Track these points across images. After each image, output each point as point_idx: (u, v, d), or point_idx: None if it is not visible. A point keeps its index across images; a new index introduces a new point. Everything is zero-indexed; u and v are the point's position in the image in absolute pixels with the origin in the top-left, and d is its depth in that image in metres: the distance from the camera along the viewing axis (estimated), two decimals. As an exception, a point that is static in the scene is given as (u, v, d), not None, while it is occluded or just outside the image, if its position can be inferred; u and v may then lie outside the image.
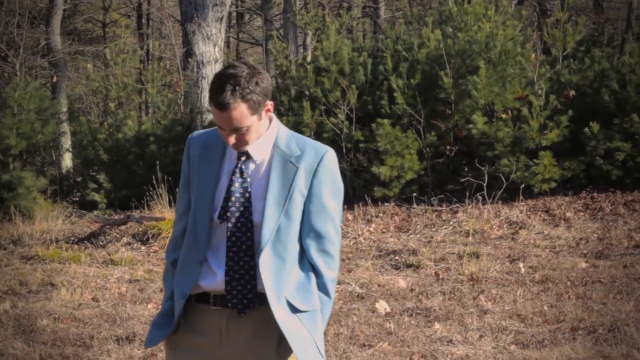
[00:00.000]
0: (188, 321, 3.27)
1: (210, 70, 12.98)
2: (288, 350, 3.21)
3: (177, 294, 3.26)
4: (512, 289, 7.79)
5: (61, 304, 7.80)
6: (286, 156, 3.20)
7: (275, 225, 3.17)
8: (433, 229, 10.00)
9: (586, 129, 10.54)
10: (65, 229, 10.78)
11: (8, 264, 9.54)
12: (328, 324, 6.83)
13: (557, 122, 10.60)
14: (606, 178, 10.59)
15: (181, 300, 3.24)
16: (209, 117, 12.22)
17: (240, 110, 3.08)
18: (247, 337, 3.22)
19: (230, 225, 3.18)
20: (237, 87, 3.06)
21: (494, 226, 9.85)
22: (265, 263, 3.17)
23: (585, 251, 8.98)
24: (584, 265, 8.47)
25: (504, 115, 10.73)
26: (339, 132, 11.00)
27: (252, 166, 3.22)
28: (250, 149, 3.19)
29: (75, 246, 10.14)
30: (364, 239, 9.80)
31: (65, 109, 14.26)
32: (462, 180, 10.65)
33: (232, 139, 3.13)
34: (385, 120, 10.75)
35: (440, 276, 8.33)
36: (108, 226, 10.60)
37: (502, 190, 10.37)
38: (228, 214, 3.18)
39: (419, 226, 10.13)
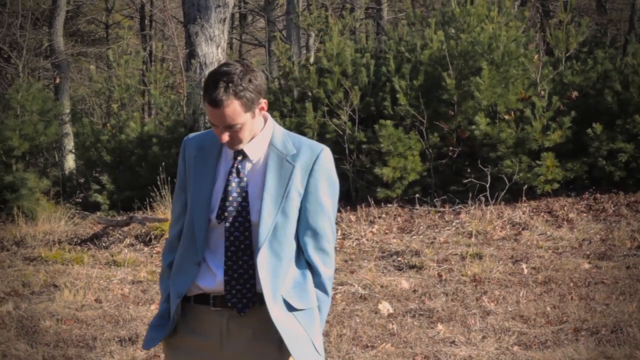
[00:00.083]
0: (187, 322, 3.26)
1: (213, 72, 12.97)
2: (288, 351, 3.20)
3: (172, 294, 3.26)
4: (515, 290, 7.79)
5: (64, 305, 7.80)
6: (282, 155, 3.21)
7: (273, 224, 3.18)
8: (436, 230, 10.00)
9: (589, 130, 10.53)
10: (68, 230, 10.79)
11: (11, 265, 9.55)
12: (330, 324, 6.84)
13: (560, 123, 10.59)
14: (609, 179, 10.59)
15: (176, 300, 3.23)
16: (212, 118, 12.20)
17: (233, 108, 3.08)
18: (248, 337, 3.22)
19: (228, 225, 3.19)
20: (230, 84, 3.06)
21: (497, 227, 9.84)
22: (263, 262, 3.18)
23: (588, 252, 8.98)
24: (586, 266, 8.46)
25: (506, 117, 10.72)
26: (341, 133, 10.99)
27: (248, 166, 3.22)
28: (246, 148, 3.20)
29: (78, 247, 10.15)
30: (367, 240, 9.80)
31: (68, 111, 14.26)
32: (465, 181, 10.64)
33: (225, 137, 3.13)
34: (388, 122, 10.74)
35: (443, 277, 8.33)
36: (111, 227, 10.60)
37: (504, 191, 10.37)
38: (226, 214, 3.19)
39: (421, 227, 10.13)
